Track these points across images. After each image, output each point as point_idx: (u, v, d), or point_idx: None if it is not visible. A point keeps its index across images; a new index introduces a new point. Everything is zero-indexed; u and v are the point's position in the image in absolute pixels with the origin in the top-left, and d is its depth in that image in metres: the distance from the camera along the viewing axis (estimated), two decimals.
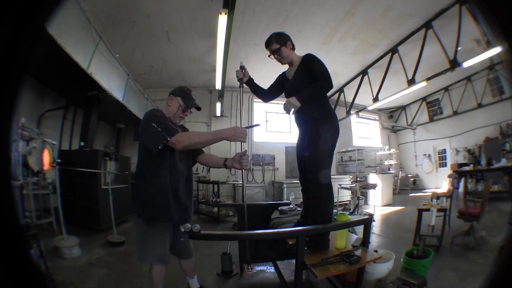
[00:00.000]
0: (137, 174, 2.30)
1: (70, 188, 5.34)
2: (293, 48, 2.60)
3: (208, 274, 3.49)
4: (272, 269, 3.62)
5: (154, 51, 8.10)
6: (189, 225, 1.74)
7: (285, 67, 2.77)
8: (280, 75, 2.84)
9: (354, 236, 2.51)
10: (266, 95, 2.77)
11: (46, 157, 4.87)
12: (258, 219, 2.32)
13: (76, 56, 4.43)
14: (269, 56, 2.61)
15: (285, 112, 2.37)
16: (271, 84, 2.84)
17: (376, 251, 2.57)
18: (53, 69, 4.87)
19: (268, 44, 2.55)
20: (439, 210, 4.35)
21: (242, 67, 2.67)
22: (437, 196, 4.89)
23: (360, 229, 2.47)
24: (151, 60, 8.55)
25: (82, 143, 6.18)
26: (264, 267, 3.72)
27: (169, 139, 1.98)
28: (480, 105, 10.91)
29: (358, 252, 2.14)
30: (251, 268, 2.28)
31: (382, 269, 2.66)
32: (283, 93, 2.72)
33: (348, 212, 2.58)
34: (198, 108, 2.45)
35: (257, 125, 2.26)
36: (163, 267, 2.37)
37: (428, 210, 4.29)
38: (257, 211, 2.34)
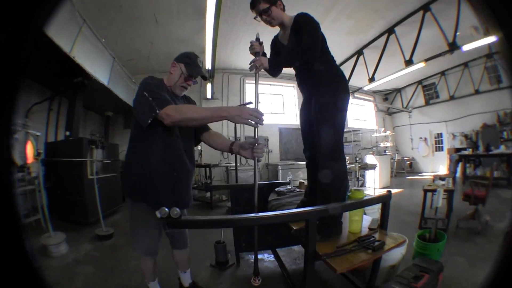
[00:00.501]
0: (127, 150, 2.01)
1: (57, 181, 5.11)
2: (284, 9, 2.26)
3: (201, 266, 3.22)
4: (271, 258, 3.38)
5: (141, 35, 7.66)
6: (167, 209, 1.35)
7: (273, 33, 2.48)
8: (272, 42, 2.51)
9: (368, 218, 2.24)
10: (273, 68, 2.31)
11: (30, 150, 4.52)
12: (251, 202, 2.00)
13: (58, 40, 4.19)
14: (255, 18, 2.26)
15: (249, 69, 2.13)
16: (270, 56, 2.49)
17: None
18: (36, 57, 4.54)
19: (254, 5, 2.18)
20: (445, 191, 4.17)
21: (259, 39, 2.26)
22: (442, 178, 4.71)
23: (370, 210, 2.18)
24: (138, 45, 8.11)
25: (67, 133, 5.94)
26: (262, 255, 3.48)
27: (158, 111, 1.67)
28: (477, 92, 10.79)
29: (376, 237, 1.85)
30: (259, 280, 1.96)
31: (395, 255, 2.39)
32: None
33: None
34: (204, 77, 2.11)
35: (249, 103, 1.92)
36: (152, 258, 2.13)
37: (434, 191, 4.10)
38: (252, 193, 2.03)
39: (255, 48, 2.20)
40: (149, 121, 1.70)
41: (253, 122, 1.70)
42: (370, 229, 2.04)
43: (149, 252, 2.06)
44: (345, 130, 9.96)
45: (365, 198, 1.96)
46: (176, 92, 2.03)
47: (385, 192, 2.02)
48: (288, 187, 3.18)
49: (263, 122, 1.70)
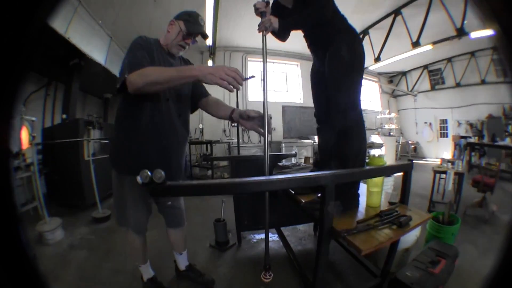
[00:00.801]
0: (115, 118, 1.86)
1: (55, 166, 4.96)
2: None
3: (199, 246, 3.07)
4: (275, 237, 3.23)
5: (140, 15, 7.37)
6: (149, 172, 1.08)
7: None
8: (273, 5, 2.23)
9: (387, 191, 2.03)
10: (283, 30, 2.03)
11: (25, 135, 4.34)
12: (256, 175, 1.81)
13: (52, 22, 3.95)
14: None
15: (258, 30, 1.90)
16: None
17: None
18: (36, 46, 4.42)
19: None
20: (455, 174, 4.04)
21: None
22: (451, 161, 4.55)
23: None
24: (137, 26, 7.75)
25: (64, 116, 5.80)
26: (264, 235, 3.32)
27: (126, 75, 1.47)
28: (483, 82, 10.54)
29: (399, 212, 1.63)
30: (269, 275, 1.76)
31: (409, 237, 2.22)
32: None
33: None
34: (204, 36, 1.87)
35: (252, 76, 1.68)
36: (141, 237, 1.98)
37: (444, 172, 3.95)
38: (256, 165, 1.83)
39: (260, 8, 1.95)
40: (118, 86, 1.54)
41: (229, 84, 1.42)
42: (390, 203, 1.84)
43: (137, 230, 1.91)
44: None
45: (387, 165, 1.75)
46: (173, 51, 1.84)
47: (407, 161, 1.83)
48: (293, 160, 2.97)
49: (240, 87, 1.46)
